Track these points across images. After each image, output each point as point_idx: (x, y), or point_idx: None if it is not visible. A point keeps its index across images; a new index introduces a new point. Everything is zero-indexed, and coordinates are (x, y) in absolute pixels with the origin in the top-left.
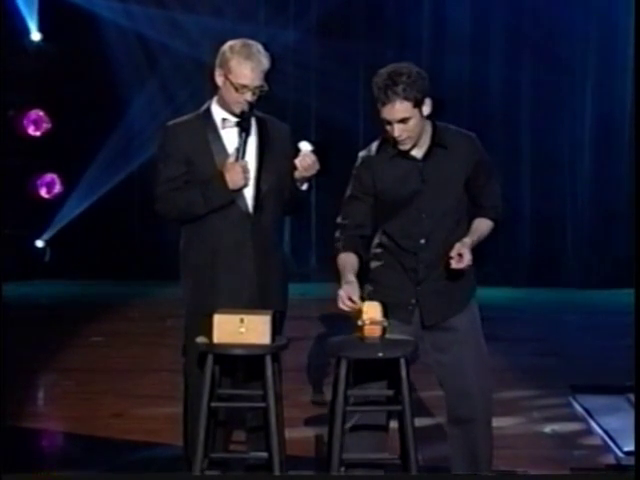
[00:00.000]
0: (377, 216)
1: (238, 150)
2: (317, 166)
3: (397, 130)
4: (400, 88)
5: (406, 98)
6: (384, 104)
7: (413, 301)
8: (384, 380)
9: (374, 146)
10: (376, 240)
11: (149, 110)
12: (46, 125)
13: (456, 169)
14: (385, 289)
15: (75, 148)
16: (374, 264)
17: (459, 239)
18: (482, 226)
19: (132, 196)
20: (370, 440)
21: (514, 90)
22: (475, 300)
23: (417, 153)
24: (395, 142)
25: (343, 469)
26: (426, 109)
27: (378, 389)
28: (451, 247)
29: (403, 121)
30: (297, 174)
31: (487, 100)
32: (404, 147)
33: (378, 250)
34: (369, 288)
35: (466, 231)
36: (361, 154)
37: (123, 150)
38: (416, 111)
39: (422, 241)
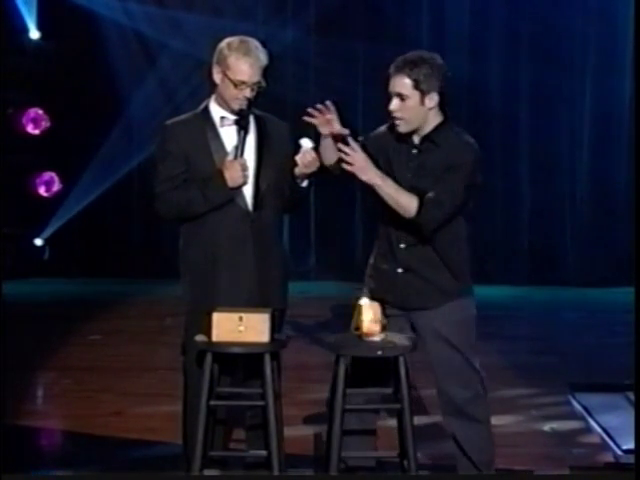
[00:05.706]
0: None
1: (237, 148)
2: (317, 163)
3: (393, 104)
4: (407, 66)
5: (408, 76)
6: (389, 77)
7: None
8: (383, 379)
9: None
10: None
11: (148, 108)
12: (45, 123)
13: (439, 169)
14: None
15: (74, 146)
16: (374, 252)
17: (443, 239)
18: (404, 194)
19: (131, 194)
20: (358, 444)
21: (513, 89)
22: (465, 300)
23: (416, 141)
24: (391, 118)
25: (342, 466)
26: (429, 102)
27: (377, 388)
28: (432, 247)
29: (401, 97)
30: (297, 171)
31: (486, 100)
32: (398, 127)
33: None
34: (370, 284)
35: (453, 237)
36: (384, 126)
37: (122, 148)
38: (416, 94)
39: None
